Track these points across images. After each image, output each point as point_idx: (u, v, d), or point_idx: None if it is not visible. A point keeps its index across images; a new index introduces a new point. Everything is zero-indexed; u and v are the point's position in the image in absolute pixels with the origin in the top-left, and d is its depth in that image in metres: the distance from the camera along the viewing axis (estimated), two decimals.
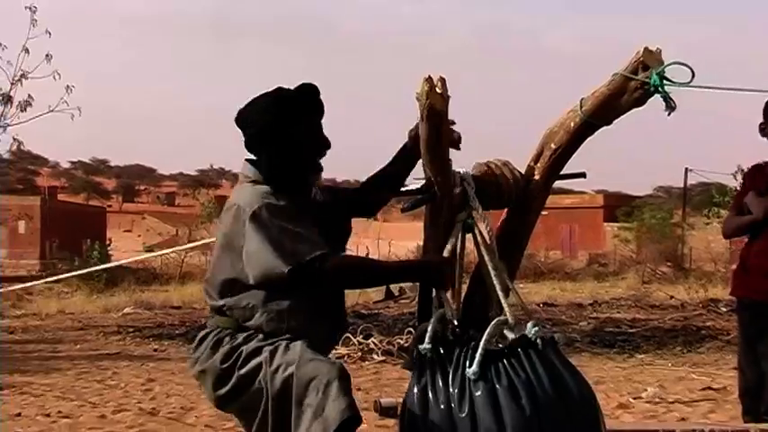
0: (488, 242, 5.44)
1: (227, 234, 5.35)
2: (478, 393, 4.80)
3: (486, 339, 4.95)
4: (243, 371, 5.17)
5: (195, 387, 7.90)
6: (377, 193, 5.90)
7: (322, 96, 5.46)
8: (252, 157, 5.51)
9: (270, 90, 5.40)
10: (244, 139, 5.45)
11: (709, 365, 16.99)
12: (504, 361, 4.91)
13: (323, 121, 5.50)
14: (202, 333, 5.49)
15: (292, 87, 5.39)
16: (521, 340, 5.03)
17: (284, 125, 5.31)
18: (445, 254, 5.41)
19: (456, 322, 5.26)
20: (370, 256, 5.70)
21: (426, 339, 5.10)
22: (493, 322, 5.12)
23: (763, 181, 8.55)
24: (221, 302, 5.38)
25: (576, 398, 4.87)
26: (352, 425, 4.82)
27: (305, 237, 5.14)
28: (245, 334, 5.28)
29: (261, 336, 5.26)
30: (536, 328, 5.08)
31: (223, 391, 5.26)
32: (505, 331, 5.13)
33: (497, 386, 4.81)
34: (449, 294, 5.41)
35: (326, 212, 5.53)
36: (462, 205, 5.44)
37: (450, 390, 4.88)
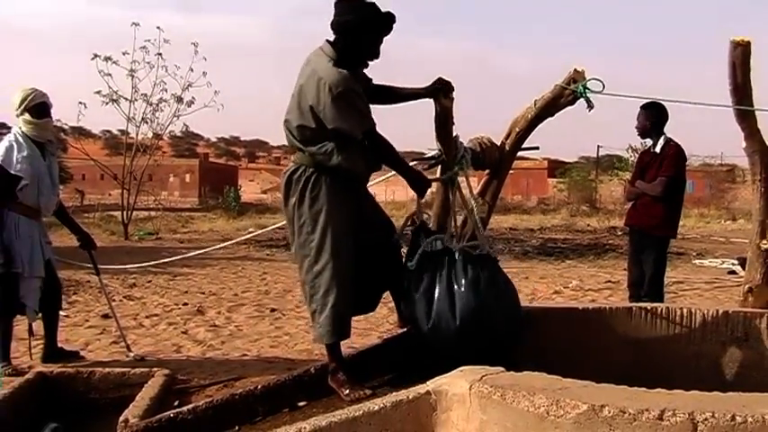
0: (461, 196, 5.45)
1: (303, 91, 4.92)
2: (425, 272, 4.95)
3: (423, 247, 5.03)
4: (300, 195, 4.98)
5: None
6: (380, 100, 5.33)
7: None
8: (331, 39, 5.00)
9: (370, 1, 4.94)
10: (336, 19, 4.94)
11: (610, 267, 16.97)
12: (432, 259, 4.97)
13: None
14: (292, 168, 5.05)
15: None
16: (444, 250, 5.03)
17: (368, 27, 4.91)
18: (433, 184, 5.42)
19: (418, 222, 5.30)
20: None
21: (398, 236, 5.19)
22: (431, 237, 5.14)
23: (638, 168, 8.88)
24: (299, 144, 4.99)
25: (463, 287, 4.84)
26: None
27: (367, 113, 4.95)
28: (312, 170, 4.94)
29: (324, 175, 4.93)
30: (453, 244, 5.09)
31: (286, 198, 5.06)
32: (440, 242, 5.12)
33: (427, 271, 4.94)
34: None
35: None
36: (459, 164, 5.41)
37: (410, 263, 5.03)
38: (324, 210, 4.93)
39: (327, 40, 5.01)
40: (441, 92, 5.19)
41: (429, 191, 5.41)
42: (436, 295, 4.82)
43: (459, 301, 4.77)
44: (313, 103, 4.84)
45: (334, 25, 4.97)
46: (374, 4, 4.95)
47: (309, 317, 5.20)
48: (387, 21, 4.96)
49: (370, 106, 5.07)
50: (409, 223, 5.40)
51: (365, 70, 5.18)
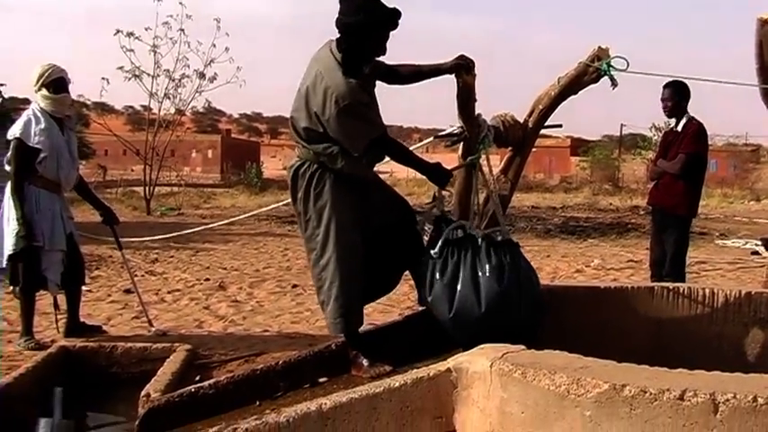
0: (482, 177, 5.36)
1: (309, 94, 4.83)
2: (448, 259, 4.86)
3: (445, 235, 4.94)
4: (305, 191, 4.94)
5: None
6: (398, 80, 5.30)
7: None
8: (337, 36, 4.87)
9: None
10: (341, 19, 4.81)
11: (632, 247, 16.91)
12: (455, 246, 4.88)
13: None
14: (298, 163, 4.98)
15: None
16: (466, 237, 4.96)
17: (374, 27, 4.77)
18: (454, 172, 5.36)
19: (439, 214, 5.18)
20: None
21: (419, 224, 5.15)
22: (452, 225, 5.04)
23: (662, 147, 8.87)
24: (304, 143, 4.92)
25: (488, 273, 4.74)
26: None
27: (374, 121, 4.88)
28: (316, 166, 4.87)
29: (328, 171, 4.88)
30: (475, 231, 5.01)
31: (294, 193, 5.02)
32: (462, 230, 5.02)
33: (450, 258, 4.84)
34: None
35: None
36: (482, 142, 5.38)
37: (433, 251, 4.93)
38: (328, 205, 4.92)
39: (337, 40, 4.90)
40: (462, 68, 5.10)
41: None
42: (460, 282, 4.77)
43: (483, 288, 4.72)
44: (318, 111, 4.78)
45: (340, 25, 4.85)
46: (378, 0, 4.83)
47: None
48: (393, 17, 4.85)
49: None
50: (433, 211, 5.34)
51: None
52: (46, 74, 7.08)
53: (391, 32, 4.93)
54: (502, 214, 5.36)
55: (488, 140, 5.37)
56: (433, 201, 5.35)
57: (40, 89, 7.07)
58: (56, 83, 7.11)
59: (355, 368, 4.94)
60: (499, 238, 5.03)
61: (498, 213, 5.30)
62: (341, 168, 4.89)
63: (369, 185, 5.17)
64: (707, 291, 5.75)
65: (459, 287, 4.76)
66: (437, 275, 4.86)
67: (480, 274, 4.76)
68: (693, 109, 8.32)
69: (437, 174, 5.17)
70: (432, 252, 4.91)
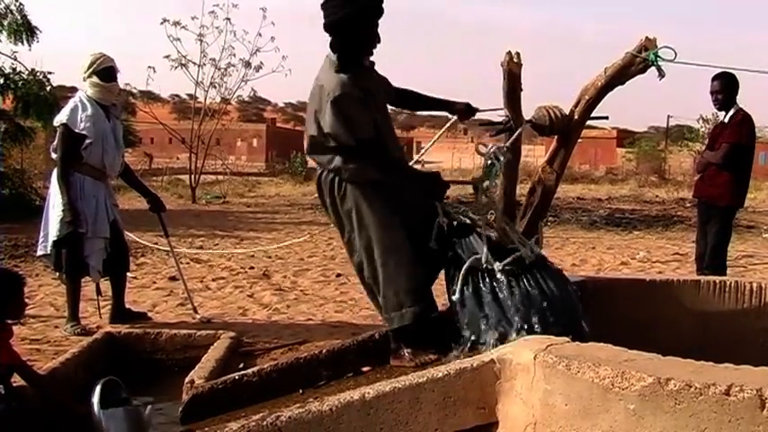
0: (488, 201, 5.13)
1: (310, 102, 4.90)
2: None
3: (460, 282, 4.67)
4: (331, 198, 4.96)
5: None
6: (407, 104, 5.48)
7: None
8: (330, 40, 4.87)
9: None
10: (326, 21, 4.81)
11: (678, 239, 16.73)
12: (485, 277, 4.63)
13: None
14: (319, 172, 5.04)
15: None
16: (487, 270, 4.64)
17: (359, 17, 4.75)
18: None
19: (446, 229, 4.89)
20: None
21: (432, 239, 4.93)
22: (471, 258, 4.67)
23: (710, 140, 8.85)
24: (311, 154, 5.02)
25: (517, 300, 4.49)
26: None
27: (361, 122, 4.75)
28: (332, 175, 4.89)
29: (339, 177, 4.87)
30: (495, 265, 4.59)
31: (323, 201, 5.11)
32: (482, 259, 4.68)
33: (482, 286, 4.61)
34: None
35: (380, 90, 5.08)
36: (489, 172, 5.11)
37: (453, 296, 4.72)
38: (354, 208, 4.89)
39: (330, 44, 4.89)
40: (466, 114, 5.38)
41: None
42: (489, 315, 4.54)
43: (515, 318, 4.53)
44: (317, 108, 4.81)
45: (327, 27, 4.85)
46: None
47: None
48: (375, 3, 4.84)
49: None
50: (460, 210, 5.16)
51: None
52: (97, 62, 7.18)
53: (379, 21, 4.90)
54: (516, 235, 5.01)
55: (496, 170, 5.14)
56: (475, 191, 5.21)
57: (90, 76, 7.16)
58: (106, 71, 7.21)
59: (396, 359, 4.90)
60: (525, 260, 4.72)
61: (513, 236, 4.96)
62: (348, 179, 4.87)
63: (399, 183, 5.03)
64: (754, 285, 5.70)
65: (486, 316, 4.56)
66: (460, 307, 4.69)
67: (510, 306, 4.52)
68: (743, 100, 8.24)
69: (431, 183, 5.06)
70: (452, 298, 4.73)
